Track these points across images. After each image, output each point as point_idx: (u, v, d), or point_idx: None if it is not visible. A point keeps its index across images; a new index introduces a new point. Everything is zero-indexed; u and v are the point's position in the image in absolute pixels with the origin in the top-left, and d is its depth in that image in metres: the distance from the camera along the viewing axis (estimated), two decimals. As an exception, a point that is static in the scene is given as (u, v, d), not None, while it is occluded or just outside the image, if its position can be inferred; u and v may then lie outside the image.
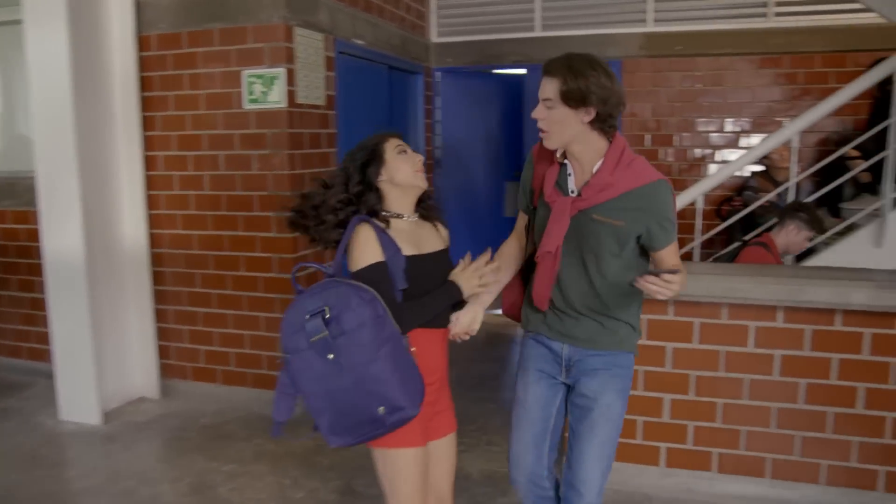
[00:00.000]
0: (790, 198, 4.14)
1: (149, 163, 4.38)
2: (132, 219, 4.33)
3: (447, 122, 6.45)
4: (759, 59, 5.52)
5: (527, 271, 2.38)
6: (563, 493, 2.25)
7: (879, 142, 4.21)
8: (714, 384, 3.14)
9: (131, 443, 3.85)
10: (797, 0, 5.39)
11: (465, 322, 2.15)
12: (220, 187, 4.26)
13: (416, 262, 2.04)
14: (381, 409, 1.88)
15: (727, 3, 5.52)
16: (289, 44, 4.06)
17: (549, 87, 2.02)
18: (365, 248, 2.00)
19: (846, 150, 4.41)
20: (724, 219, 4.98)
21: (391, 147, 2.11)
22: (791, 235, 3.75)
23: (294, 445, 3.77)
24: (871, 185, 4.74)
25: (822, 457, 3.08)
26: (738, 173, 4.87)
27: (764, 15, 5.45)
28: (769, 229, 4.26)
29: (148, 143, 4.36)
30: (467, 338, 2.17)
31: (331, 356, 1.87)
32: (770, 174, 5.07)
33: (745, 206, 4.67)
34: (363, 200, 2.07)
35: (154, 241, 4.44)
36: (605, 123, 2.04)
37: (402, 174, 2.08)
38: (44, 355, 4.62)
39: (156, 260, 4.46)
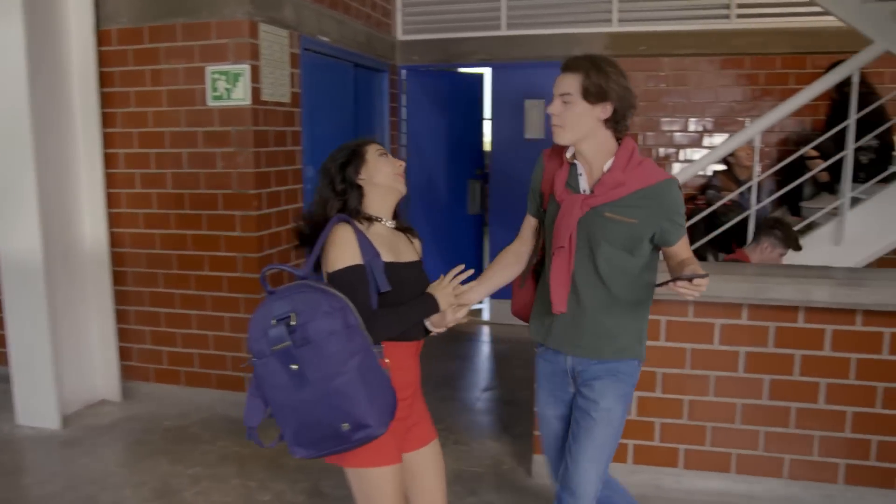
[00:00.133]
0: (752, 196, 4.20)
1: (109, 160, 4.28)
2: (92, 218, 4.23)
3: (412, 121, 6.44)
4: (722, 59, 5.60)
5: (537, 277, 2.38)
6: (558, 494, 2.26)
7: (838, 142, 4.30)
8: (680, 381, 3.18)
9: (92, 447, 3.76)
10: (759, 2, 5.49)
11: (447, 316, 2.12)
12: (184, 185, 4.19)
13: (394, 270, 1.99)
14: (345, 426, 1.79)
15: (691, 5, 5.58)
16: (253, 40, 4.00)
17: (569, 82, 2.05)
18: (344, 249, 1.93)
19: (806, 150, 4.49)
20: (687, 218, 5.04)
21: (373, 150, 2.09)
22: (766, 252, 3.77)
23: (261, 448, 3.71)
24: (829, 185, 4.85)
25: (785, 451, 3.14)
26: (701, 172, 4.93)
27: (727, 16, 5.52)
28: (734, 228, 4.33)
29: (108, 140, 4.26)
30: (443, 330, 2.14)
31: (294, 367, 1.78)
32: (733, 173, 5.15)
33: (709, 204, 4.74)
34: (346, 199, 2.04)
35: (115, 240, 4.35)
36: (618, 123, 2.08)
37: (383, 175, 2.06)
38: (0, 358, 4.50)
39: (117, 260, 4.36)
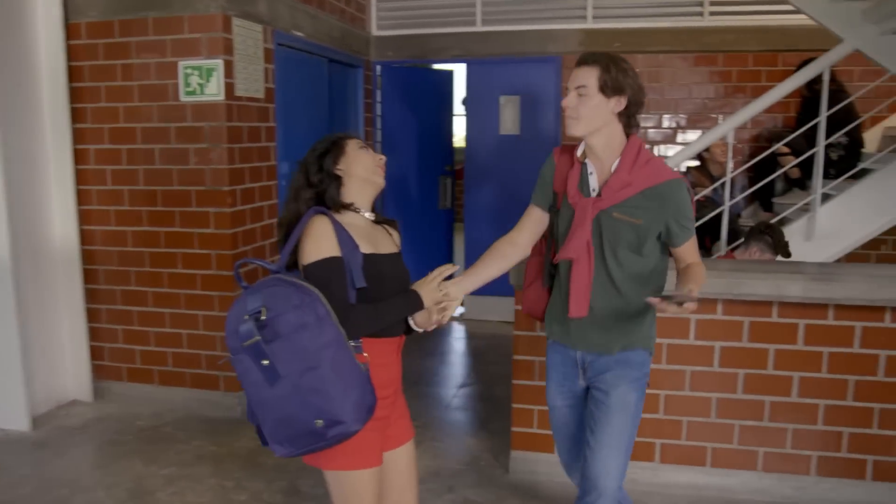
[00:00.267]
0: (726, 192, 4.25)
1: (79, 156, 4.20)
2: (62, 215, 4.15)
3: (386, 116, 6.42)
4: (695, 56, 5.65)
5: (547, 275, 2.38)
6: (581, 484, 2.27)
7: (809, 139, 4.36)
8: (656, 376, 3.19)
9: (63, 449, 3.70)
10: (731, 0, 5.54)
11: (438, 308, 2.12)
12: (156, 182, 4.13)
13: (373, 262, 1.96)
14: (319, 422, 1.76)
15: (664, 2, 5.63)
16: (227, 35, 3.95)
17: (587, 75, 2.09)
18: (320, 241, 1.90)
19: (778, 146, 4.55)
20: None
21: (353, 143, 2.08)
22: (755, 257, 3.77)
23: (236, 446, 3.69)
24: (800, 181, 4.92)
25: (759, 444, 3.18)
26: (675, 168, 4.97)
27: (700, 14, 5.58)
28: (707, 224, 4.36)
29: (78, 136, 4.19)
30: (429, 329, 2.13)
31: (265, 362, 1.75)
32: (706, 169, 5.21)
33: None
34: (323, 188, 2.01)
35: (85, 238, 4.27)
36: (630, 118, 2.13)
37: (362, 166, 2.04)
38: (-34, 358, 4.40)
39: (87, 258, 4.29)
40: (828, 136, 4.11)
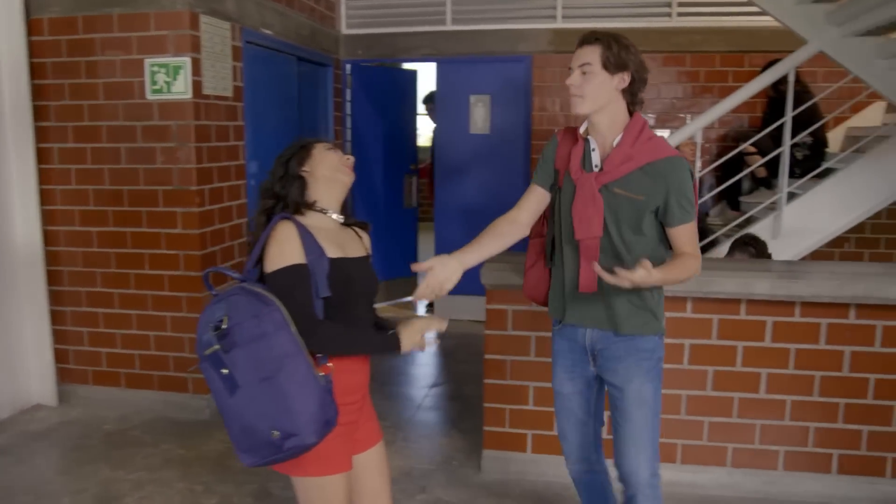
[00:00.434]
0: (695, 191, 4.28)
1: (42, 155, 4.11)
2: (24, 215, 4.05)
3: (356, 115, 6.40)
4: (664, 57, 5.71)
5: (549, 255, 2.38)
6: (618, 476, 2.31)
7: (775, 139, 4.43)
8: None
9: (26, 455, 3.62)
10: (698, 1, 5.61)
11: (437, 282, 2.12)
12: (122, 181, 4.05)
13: (341, 266, 1.93)
14: (275, 434, 1.75)
15: (633, 3, 5.69)
16: (194, 32, 3.89)
17: (590, 53, 2.10)
18: (284, 248, 1.87)
19: (745, 146, 4.61)
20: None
21: (321, 145, 2.06)
22: None
23: (205, 449, 3.64)
24: (767, 180, 5.00)
25: (728, 440, 3.22)
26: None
27: (668, 14, 5.64)
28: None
29: (41, 135, 4.10)
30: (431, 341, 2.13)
31: (225, 371, 1.75)
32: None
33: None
34: (287, 192, 1.98)
35: (49, 238, 4.18)
36: (634, 95, 2.15)
37: (326, 165, 2.01)
38: (-75, 362, 4.29)
39: (51, 259, 4.20)
40: (793, 136, 4.18)
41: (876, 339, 3.07)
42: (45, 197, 4.15)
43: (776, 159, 4.26)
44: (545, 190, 2.34)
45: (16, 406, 4.08)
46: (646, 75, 2.16)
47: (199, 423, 3.96)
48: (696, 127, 4.24)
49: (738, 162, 4.89)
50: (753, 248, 3.82)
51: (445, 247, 6.10)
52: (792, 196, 4.27)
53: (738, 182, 4.93)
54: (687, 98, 5.75)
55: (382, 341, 1.96)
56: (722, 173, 5.05)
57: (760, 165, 4.72)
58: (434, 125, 6.64)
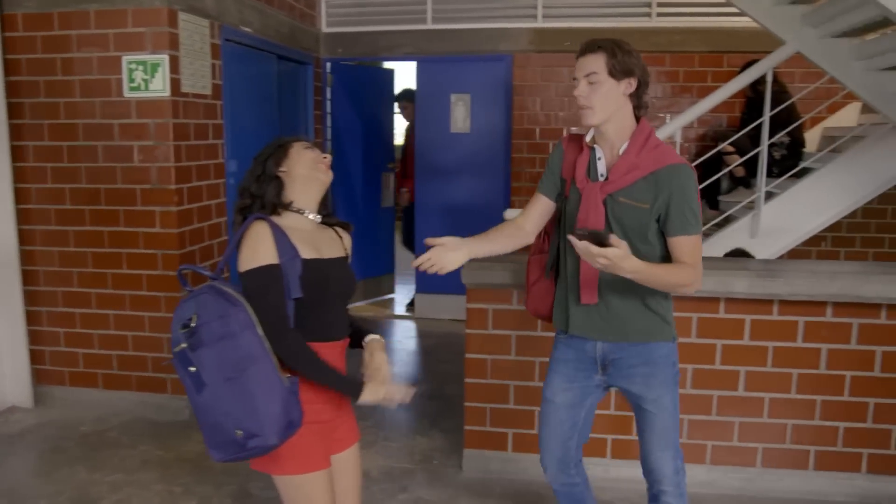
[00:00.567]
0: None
1: (17, 153, 4.05)
2: (-2, 214, 4.01)
3: (336, 114, 6.37)
4: (643, 56, 5.70)
5: (550, 266, 2.37)
6: (643, 472, 2.34)
7: (753, 138, 4.46)
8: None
9: (1, 457, 3.56)
10: (678, 2, 5.64)
11: (440, 259, 2.13)
12: (99, 180, 4.01)
13: (314, 267, 1.92)
14: (239, 433, 1.76)
15: (614, 2, 5.71)
16: (172, 29, 3.86)
17: (595, 62, 2.06)
18: (257, 248, 1.86)
19: (723, 146, 4.64)
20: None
21: (298, 144, 2.04)
22: None
23: (184, 450, 3.61)
24: (745, 180, 5.03)
25: (707, 438, 3.25)
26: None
27: (648, 14, 5.67)
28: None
29: (15, 133, 4.03)
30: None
31: (192, 369, 1.77)
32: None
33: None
34: (263, 192, 1.97)
35: (24, 238, 4.12)
36: (639, 99, 2.11)
37: (302, 164, 1.99)
38: None
39: (26, 258, 4.14)
40: (771, 135, 4.21)
41: (852, 336, 3.11)
42: (20, 196, 4.09)
43: (754, 159, 4.30)
44: (550, 199, 2.32)
45: (-10, 408, 4.03)
46: (648, 78, 2.14)
47: (177, 424, 3.93)
48: (675, 126, 4.26)
49: (717, 161, 4.92)
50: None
51: (426, 245, 6.11)
52: (770, 195, 4.30)
53: (717, 181, 4.97)
54: (666, 98, 5.78)
55: (343, 383, 1.91)
56: (701, 173, 5.06)
57: (739, 165, 4.75)
58: (406, 123, 6.62)
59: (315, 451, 1.93)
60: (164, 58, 3.83)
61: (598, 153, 2.17)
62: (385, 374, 1.98)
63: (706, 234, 4.49)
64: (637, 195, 2.08)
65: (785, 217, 4.20)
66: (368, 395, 1.90)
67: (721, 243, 4.26)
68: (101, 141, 3.97)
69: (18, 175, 4.07)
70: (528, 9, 5.83)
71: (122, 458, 3.54)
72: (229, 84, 4.50)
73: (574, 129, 5.93)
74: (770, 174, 4.43)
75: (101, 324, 4.15)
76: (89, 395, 4.20)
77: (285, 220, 1.97)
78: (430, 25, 5.95)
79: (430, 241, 2.16)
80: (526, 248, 2.48)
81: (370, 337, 2.09)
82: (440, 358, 5.19)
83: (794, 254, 4.67)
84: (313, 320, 1.93)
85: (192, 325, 1.78)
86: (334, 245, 2.06)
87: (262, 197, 1.97)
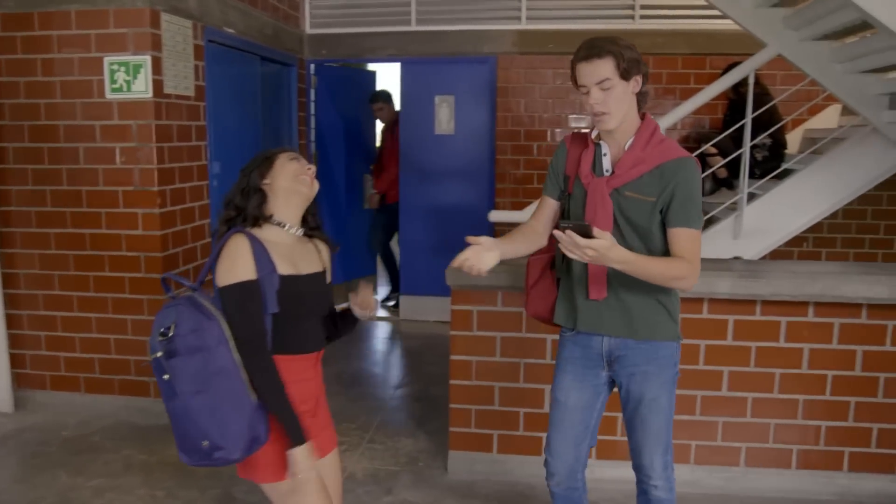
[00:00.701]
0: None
1: (-4, 155, 4.02)
2: (-22, 216, 3.96)
3: (320, 116, 6.36)
4: (626, 58, 5.74)
5: (559, 262, 2.36)
6: (635, 475, 2.34)
7: (735, 140, 4.50)
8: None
9: (-18, 461, 3.53)
10: (661, 4, 5.68)
11: (477, 257, 2.10)
12: (81, 182, 3.97)
13: (291, 283, 1.92)
14: (205, 443, 1.80)
15: (597, 5, 5.74)
16: (155, 30, 3.83)
17: (605, 67, 2.03)
18: (235, 262, 1.86)
19: (706, 147, 4.67)
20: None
21: (284, 155, 2.03)
22: None
23: (167, 454, 3.58)
24: (728, 181, 5.07)
25: (691, 438, 3.26)
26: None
27: (631, 17, 5.70)
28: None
29: (-5, 134, 4.00)
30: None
31: (165, 377, 1.79)
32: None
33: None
34: (245, 204, 1.96)
35: (4, 240, 4.08)
36: (643, 95, 2.12)
37: (285, 176, 1.98)
38: None
39: (6, 261, 4.10)
40: (753, 137, 4.25)
41: (833, 336, 3.14)
42: (-1, 198, 4.05)
43: (737, 160, 4.33)
44: (556, 200, 2.33)
45: (-30, 413, 3.98)
46: (647, 68, 2.12)
47: (161, 428, 3.89)
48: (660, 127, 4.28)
49: (700, 163, 4.94)
50: None
51: (410, 246, 6.13)
52: (752, 196, 4.33)
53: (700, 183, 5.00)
54: (650, 99, 5.79)
55: (293, 424, 1.86)
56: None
57: (721, 166, 4.79)
58: (382, 125, 6.59)
59: None
60: (146, 59, 3.80)
61: (604, 149, 2.17)
62: (371, 304, 2.10)
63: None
64: (643, 189, 2.08)
65: (767, 218, 4.23)
66: (304, 454, 1.87)
67: (704, 245, 4.27)
68: (83, 142, 3.94)
69: (-2, 177, 4.03)
70: (512, 11, 5.85)
71: (105, 463, 3.51)
72: (213, 85, 4.48)
73: (559, 130, 5.95)
74: (752, 175, 4.46)
75: (82, 327, 4.11)
76: (71, 399, 4.16)
77: (265, 233, 1.96)
78: (414, 27, 5.95)
79: (470, 238, 2.13)
80: None
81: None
82: (425, 360, 5.19)
83: (777, 254, 4.71)
84: (288, 334, 1.94)
85: (170, 333, 1.79)
86: (312, 259, 2.05)
87: (244, 209, 1.97)
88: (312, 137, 6.32)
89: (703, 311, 3.15)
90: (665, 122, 4.28)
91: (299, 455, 1.86)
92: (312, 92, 6.27)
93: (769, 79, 5.21)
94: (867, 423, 3.20)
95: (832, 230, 5.74)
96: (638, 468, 2.33)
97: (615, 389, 2.35)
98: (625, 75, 2.04)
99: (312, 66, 6.21)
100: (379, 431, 3.92)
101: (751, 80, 4.10)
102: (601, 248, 1.86)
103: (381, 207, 6.33)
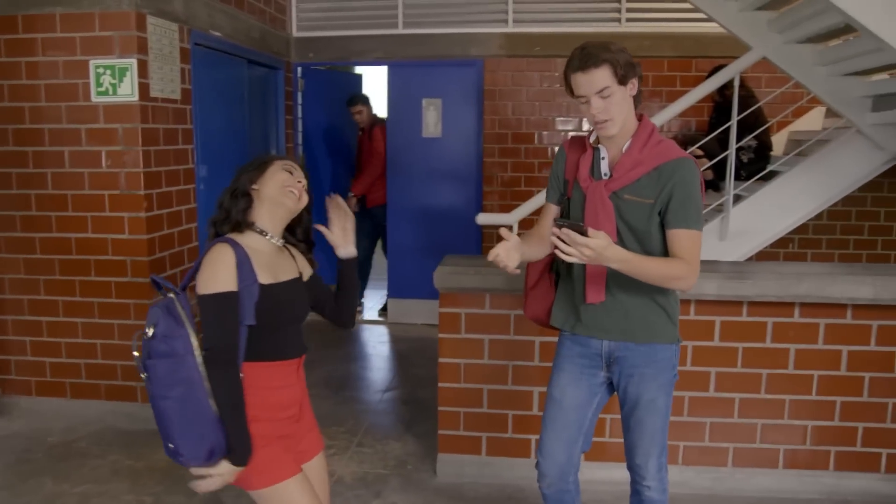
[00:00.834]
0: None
1: (-20, 159, 3.99)
2: (-38, 221, 3.92)
3: (307, 119, 6.34)
4: (613, 61, 5.77)
5: (557, 266, 2.36)
6: (629, 475, 2.34)
7: (721, 142, 4.52)
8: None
9: (-34, 468, 3.49)
10: (647, 7, 5.71)
11: (506, 253, 2.06)
12: (66, 186, 3.94)
13: (271, 292, 1.91)
14: (171, 445, 1.82)
15: (583, 8, 5.77)
16: (141, 33, 3.81)
17: (603, 76, 2.03)
18: (216, 272, 1.85)
19: (693, 150, 4.70)
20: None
21: (279, 164, 2.01)
22: None
23: (155, 459, 3.56)
24: (714, 183, 5.09)
25: (679, 439, 3.27)
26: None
27: (618, 20, 5.73)
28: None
29: (-22, 138, 3.97)
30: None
31: (143, 375, 1.82)
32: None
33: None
34: (231, 207, 1.96)
35: (-12, 245, 4.06)
36: (638, 95, 2.12)
37: (272, 186, 1.96)
38: None
39: (-9, 266, 4.07)
40: (738, 139, 4.27)
41: (819, 336, 3.16)
42: (-17, 202, 4.02)
43: (723, 162, 4.35)
44: (559, 206, 2.33)
45: (-46, 419, 3.95)
46: (641, 70, 2.12)
47: (148, 433, 3.87)
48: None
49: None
50: None
51: (398, 250, 6.13)
52: (738, 198, 4.36)
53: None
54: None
55: (240, 439, 1.84)
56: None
57: (707, 168, 4.81)
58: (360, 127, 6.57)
59: (280, 461, 1.92)
60: (132, 62, 3.79)
61: (602, 152, 2.17)
62: (350, 232, 2.12)
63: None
64: (642, 191, 2.09)
65: (753, 219, 4.25)
66: (229, 471, 1.85)
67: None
68: (68, 146, 3.91)
69: (-18, 181, 4.00)
70: (499, 14, 5.87)
71: (92, 469, 3.48)
72: (199, 88, 4.46)
73: (546, 133, 5.97)
74: (738, 177, 4.48)
75: (68, 332, 4.08)
76: (57, 405, 4.13)
77: (247, 240, 1.95)
78: (401, 30, 5.96)
79: (503, 232, 2.10)
80: None
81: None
82: (413, 362, 5.18)
83: (763, 256, 4.75)
84: (268, 342, 1.93)
85: (149, 334, 1.80)
86: (289, 266, 2.05)
87: (229, 212, 1.96)
88: (299, 140, 6.31)
89: (690, 313, 3.16)
90: (655, 123, 4.29)
91: (226, 469, 1.84)
92: (299, 95, 6.26)
93: (754, 81, 5.25)
94: (853, 422, 3.22)
95: (817, 231, 5.78)
96: (632, 468, 2.34)
97: (614, 394, 2.36)
98: (622, 81, 2.04)
99: (299, 70, 6.20)
100: (367, 435, 3.92)
101: (736, 83, 4.12)
102: (597, 247, 1.86)
103: (361, 211, 6.32)
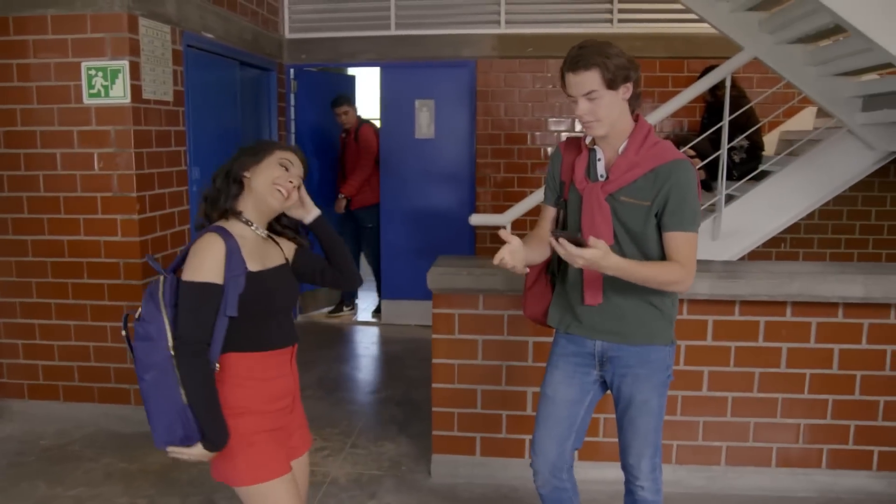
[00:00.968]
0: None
1: (-29, 162, 3.97)
2: (-47, 224, 3.91)
3: (300, 120, 6.34)
4: (605, 62, 5.79)
5: (554, 266, 2.36)
6: (621, 466, 2.35)
7: (713, 142, 4.54)
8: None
9: (-42, 472, 3.48)
10: (638, 8, 5.73)
11: (510, 255, 2.05)
12: (58, 188, 3.93)
13: (259, 280, 1.90)
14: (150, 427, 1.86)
15: (575, 9, 5.78)
16: (133, 35, 3.80)
17: (590, 80, 2.02)
18: (203, 261, 1.83)
19: (685, 150, 4.71)
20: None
21: (277, 155, 1.99)
22: None
23: (149, 461, 3.55)
24: (706, 183, 5.11)
25: (672, 438, 3.28)
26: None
27: (609, 21, 5.74)
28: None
29: (-30, 140, 3.95)
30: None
31: (129, 356, 1.88)
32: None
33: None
34: (223, 189, 1.95)
35: (-20, 247, 4.04)
36: (636, 99, 2.11)
37: (263, 179, 1.95)
38: None
39: (-18, 269, 4.05)
40: (730, 139, 4.29)
41: (811, 335, 3.18)
42: (-25, 205, 4.00)
43: (715, 162, 4.37)
44: (556, 208, 2.33)
45: (-54, 423, 3.93)
46: (639, 72, 2.10)
47: (141, 436, 3.85)
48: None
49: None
50: None
51: (391, 251, 6.13)
52: (730, 198, 4.38)
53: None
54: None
55: (213, 424, 1.82)
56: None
57: (699, 168, 4.83)
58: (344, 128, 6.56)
59: (271, 458, 1.92)
60: (124, 64, 3.78)
61: (598, 154, 2.17)
62: (305, 196, 2.09)
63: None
64: (638, 193, 2.09)
65: (745, 219, 4.27)
66: (201, 454, 1.84)
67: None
68: (60, 148, 3.90)
69: (-27, 184, 3.98)
70: (491, 15, 5.88)
71: (85, 472, 3.47)
72: (192, 90, 4.45)
73: (538, 134, 5.98)
74: (730, 177, 4.50)
75: (61, 335, 4.06)
76: (50, 408, 4.11)
77: (235, 227, 1.94)
78: (393, 31, 5.96)
79: (503, 234, 2.09)
80: None
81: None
82: (407, 364, 5.18)
83: (755, 255, 4.76)
84: (258, 331, 1.92)
85: (136, 316, 1.84)
86: (276, 253, 2.04)
87: (219, 196, 1.96)
88: (292, 142, 6.30)
89: (683, 312, 3.17)
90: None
91: (199, 451, 1.83)
92: (292, 96, 6.25)
93: (746, 82, 5.27)
94: (845, 420, 3.24)
95: (809, 231, 5.81)
96: (625, 468, 2.35)
97: (607, 392, 2.36)
98: (611, 85, 2.03)
99: (292, 71, 6.19)
100: (361, 436, 3.92)
101: (728, 83, 4.14)
102: (594, 258, 1.88)
103: (347, 213, 6.32)
